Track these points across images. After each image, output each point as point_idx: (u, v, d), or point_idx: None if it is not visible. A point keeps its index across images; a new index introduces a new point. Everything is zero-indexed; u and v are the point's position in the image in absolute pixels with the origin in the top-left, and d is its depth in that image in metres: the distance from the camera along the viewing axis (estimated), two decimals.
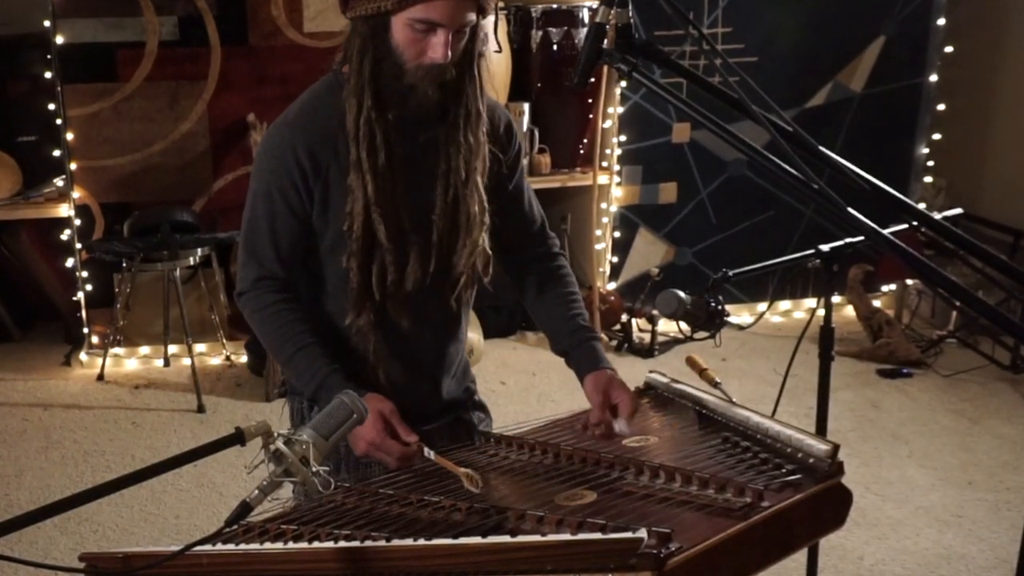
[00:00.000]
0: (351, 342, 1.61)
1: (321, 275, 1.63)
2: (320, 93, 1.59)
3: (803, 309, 4.65)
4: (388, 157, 1.52)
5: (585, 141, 4.41)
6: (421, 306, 1.62)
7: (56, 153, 4.06)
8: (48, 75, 4.00)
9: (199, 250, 3.89)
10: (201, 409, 3.73)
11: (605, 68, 3.69)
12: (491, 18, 1.52)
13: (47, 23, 3.87)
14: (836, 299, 3.21)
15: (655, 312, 4.09)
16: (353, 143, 1.52)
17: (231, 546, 1.21)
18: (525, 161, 4.30)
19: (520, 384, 3.99)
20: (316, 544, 1.18)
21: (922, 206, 1.61)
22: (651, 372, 1.70)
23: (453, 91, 1.52)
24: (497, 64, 4.13)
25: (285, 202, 1.56)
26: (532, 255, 1.74)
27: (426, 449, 1.46)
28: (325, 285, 1.63)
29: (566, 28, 4.22)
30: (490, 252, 1.63)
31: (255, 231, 1.60)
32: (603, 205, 4.41)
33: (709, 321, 1.88)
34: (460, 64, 1.50)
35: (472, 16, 1.46)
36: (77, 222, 4.07)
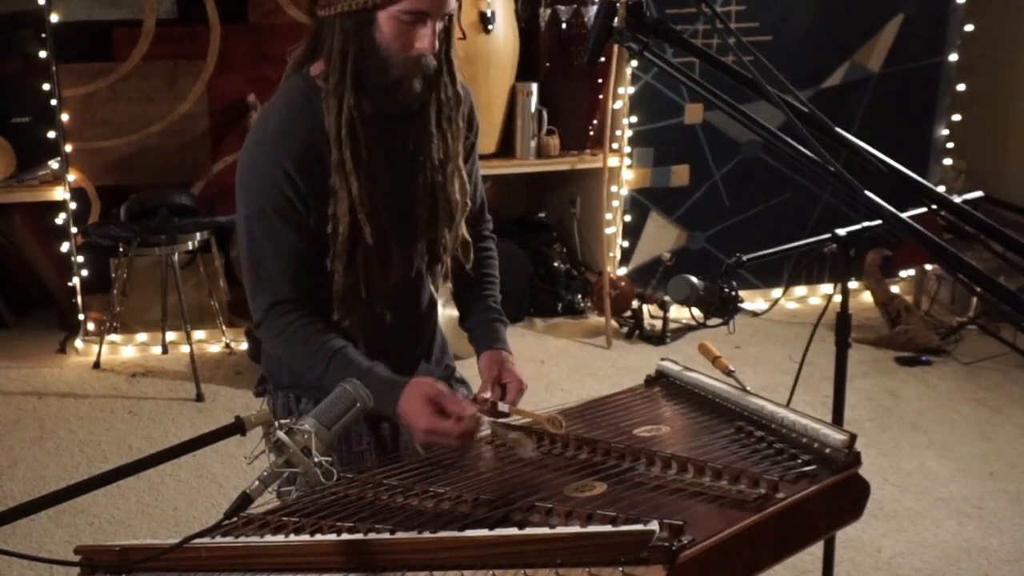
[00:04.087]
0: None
1: None
2: (294, 102, 1.56)
3: (819, 295, 4.61)
4: (371, 156, 1.52)
5: (595, 122, 4.34)
6: (405, 297, 1.67)
7: (51, 134, 4.01)
8: (43, 54, 3.93)
9: (198, 234, 3.85)
10: (200, 398, 3.69)
11: (615, 47, 3.62)
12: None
13: (42, 1, 3.82)
14: (853, 285, 3.21)
15: (667, 298, 4.05)
16: (335, 144, 1.51)
17: (231, 539, 1.20)
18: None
19: (528, 372, 3.87)
20: (318, 536, 1.17)
21: (942, 189, 1.58)
22: (663, 360, 1.69)
23: (432, 81, 1.54)
24: (505, 43, 4.07)
25: (282, 218, 1.54)
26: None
27: (485, 420, 1.45)
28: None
29: (575, 6, 4.16)
30: (469, 238, 1.69)
31: (257, 256, 1.57)
32: (613, 188, 4.35)
33: (722, 307, 1.88)
34: (437, 53, 1.53)
35: (454, 3, 1.49)
36: (72, 205, 4.02)
